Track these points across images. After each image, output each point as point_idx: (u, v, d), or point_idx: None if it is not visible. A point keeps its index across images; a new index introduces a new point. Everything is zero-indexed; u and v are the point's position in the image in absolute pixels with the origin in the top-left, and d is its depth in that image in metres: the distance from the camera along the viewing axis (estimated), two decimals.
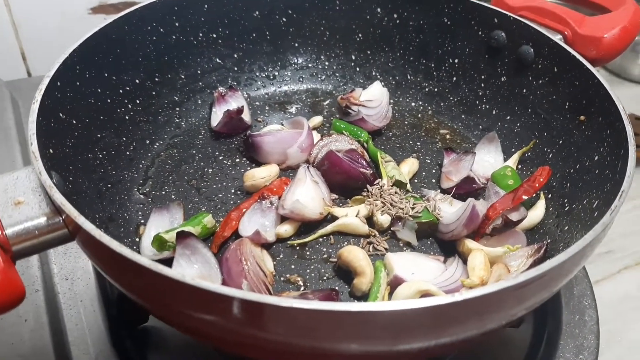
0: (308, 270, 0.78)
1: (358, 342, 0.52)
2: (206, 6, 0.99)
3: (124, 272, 0.57)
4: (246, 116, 0.98)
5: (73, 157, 0.75)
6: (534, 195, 0.81)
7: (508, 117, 0.97)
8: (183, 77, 1.00)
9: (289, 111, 1.04)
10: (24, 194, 0.61)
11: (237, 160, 0.94)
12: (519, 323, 0.80)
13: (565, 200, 0.82)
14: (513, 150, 0.94)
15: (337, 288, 0.75)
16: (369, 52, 1.08)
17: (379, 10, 1.05)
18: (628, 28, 0.88)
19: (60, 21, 1.26)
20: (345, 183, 0.86)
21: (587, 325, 0.81)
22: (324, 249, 0.80)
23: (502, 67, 0.96)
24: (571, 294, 0.84)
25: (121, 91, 0.90)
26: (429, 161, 0.95)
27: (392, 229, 0.82)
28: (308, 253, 0.80)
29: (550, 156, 0.88)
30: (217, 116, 0.98)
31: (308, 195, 0.81)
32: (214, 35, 1.01)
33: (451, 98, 1.04)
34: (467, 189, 0.86)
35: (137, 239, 0.81)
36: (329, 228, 0.81)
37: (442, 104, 1.05)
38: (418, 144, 0.99)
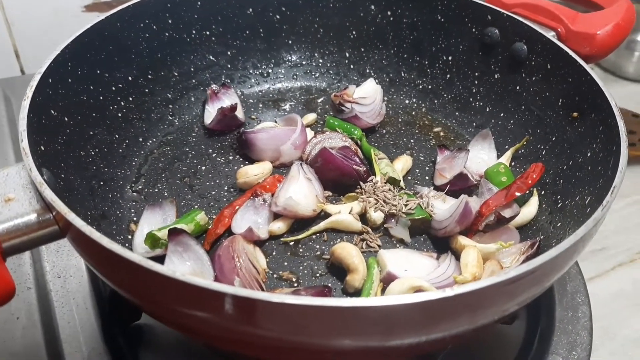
0: (301, 267, 0.78)
1: (350, 337, 0.52)
2: (199, 3, 0.98)
3: (115, 269, 0.56)
4: (239, 113, 0.98)
5: (65, 154, 0.75)
6: (527, 192, 0.81)
7: (502, 114, 0.97)
8: (176, 74, 1.00)
9: (282, 108, 1.04)
10: (14, 190, 0.60)
11: (230, 157, 0.94)
12: (512, 319, 0.80)
13: (558, 197, 0.82)
14: (507, 147, 0.94)
15: (330, 285, 0.75)
16: (362, 49, 1.08)
17: (372, 7, 1.05)
18: (621, 25, 0.88)
19: (54, 19, 1.26)
20: (338, 180, 0.86)
21: (580, 322, 0.81)
22: (317, 246, 0.80)
23: (496, 64, 0.96)
24: (564, 290, 0.85)
25: (114, 88, 0.89)
26: (422, 158, 0.95)
27: (385, 225, 0.82)
28: (301, 250, 0.80)
29: (543, 153, 0.88)
30: (210, 114, 0.98)
31: (301, 192, 0.81)
32: (207, 33, 1.01)
33: (445, 95, 1.04)
34: (460, 186, 0.86)
35: (130, 237, 0.81)
36: (322, 225, 0.81)
37: (435, 101, 1.05)
38: (412, 141, 0.99)
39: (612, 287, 0.96)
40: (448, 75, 1.03)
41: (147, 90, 0.95)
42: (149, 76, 0.96)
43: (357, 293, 0.73)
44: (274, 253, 0.79)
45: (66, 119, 0.78)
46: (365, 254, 0.78)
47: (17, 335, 0.77)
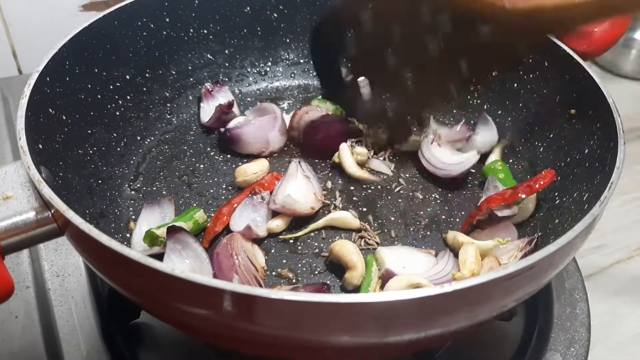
0: (300, 265, 0.78)
1: (348, 334, 0.52)
2: (197, 2, 0.98)
3: (114, 267, 0.57)
4: (235, 110, 0.98)
5: (63, 153, 0.75)
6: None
7: (499, 112, 0.97)
8: (174, 73, 1.00)
9: (281, 107, 1.04)
10: (12, 188, 0.60)
11: (229, 155, 0.94)
12: (510, 316, 0.80)
13: (556, 194, 0.82)
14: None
15: (328, 282, 0.75)
16: None
17: (369, 5, 1.04)
18: (618, 22, 0.88)
19: (52, 19, 1.26)
20: (332, 143, 0.90)
21: (578, 319, 0.81)
22: (316, 244, 0.80)
23: None
24: (562, 287, 0.85)
25: (111, 87, 0.89)
26: None
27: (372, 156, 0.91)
28: (300, 248, 0.80)
29: (541, 150, 0.89)
30: (206, 112, 0.98)
31: (299, 190, 0.81)
32: (205, 31, 1.01)
33: None
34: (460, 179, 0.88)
35: (128, 235, 0.81)
36: (321, 222, 0.81)
37: None
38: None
39: (610, 284, 0.96)
40: None
41: (144, 88, 0.95)
42: (147, 75, 0.96)
43: (355, 290, 0.74)
44: (273, 251, 0.79)
45: (64, 118, 0.77)
46: (364, 251, 0.78)
47: (16, 334, 0.77)
